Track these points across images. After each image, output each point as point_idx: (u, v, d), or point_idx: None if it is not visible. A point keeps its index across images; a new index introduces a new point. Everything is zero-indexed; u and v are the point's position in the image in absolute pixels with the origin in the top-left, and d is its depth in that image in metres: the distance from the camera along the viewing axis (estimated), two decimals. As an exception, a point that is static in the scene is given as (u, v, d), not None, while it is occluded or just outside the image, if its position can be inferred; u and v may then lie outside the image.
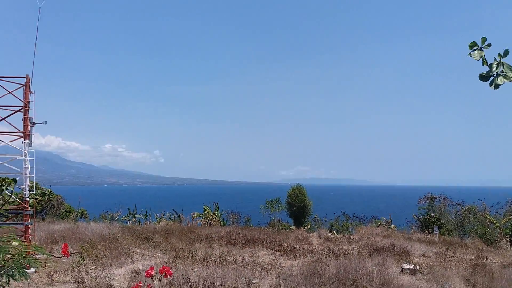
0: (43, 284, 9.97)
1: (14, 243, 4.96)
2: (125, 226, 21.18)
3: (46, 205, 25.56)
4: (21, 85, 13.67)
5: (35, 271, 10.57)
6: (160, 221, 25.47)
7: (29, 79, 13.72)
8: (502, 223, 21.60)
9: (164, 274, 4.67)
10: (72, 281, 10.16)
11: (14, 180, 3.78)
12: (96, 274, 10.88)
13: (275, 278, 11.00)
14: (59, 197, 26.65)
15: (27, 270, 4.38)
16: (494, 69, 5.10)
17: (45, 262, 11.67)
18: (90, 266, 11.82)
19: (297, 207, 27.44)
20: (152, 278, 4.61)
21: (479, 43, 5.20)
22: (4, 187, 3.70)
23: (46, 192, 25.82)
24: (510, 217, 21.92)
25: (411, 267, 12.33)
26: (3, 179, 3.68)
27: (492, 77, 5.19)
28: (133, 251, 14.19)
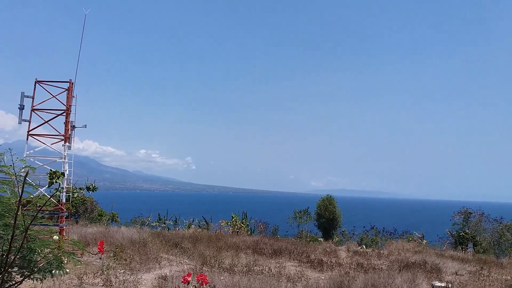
0: (73, 286, 10.25)
1: (55, 237, 5.17)
2: (154, 232, 21.53)
3: (80, 208, 26.33)
4: (64, 90, 14.29)
5: (67, 273, 10.89)
6: (189, 227, 25.76)
7: (72, 83, 14.34)
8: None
9: (200, 281, 4.66)
10: (101, 284, 10.40)
11: (63, 174, 3.92)
12: (124, 278, 11.09)
13: (301, 290, 10.88)
14: (93, 201, 27.40)
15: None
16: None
17: (82, 259, 12.00)
18: (119, 270, 12.06)
19: (326, 218, 27.09)
20: (188, 285, 4.61)
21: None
22: (54, 180, 3.84)
23: (90, 186, 26.46)
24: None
25: (443, 285, 11.92)
26: (54, 172, 3.82)
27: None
28: (161, 257, 14.38)
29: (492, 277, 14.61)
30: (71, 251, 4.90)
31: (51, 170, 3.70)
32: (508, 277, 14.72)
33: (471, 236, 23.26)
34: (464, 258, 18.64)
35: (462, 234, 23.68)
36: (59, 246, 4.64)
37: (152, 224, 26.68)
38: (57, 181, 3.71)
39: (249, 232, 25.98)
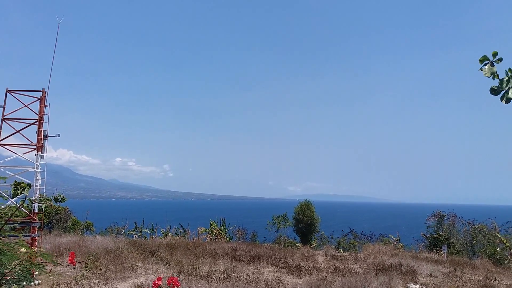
0: (46, 297, 9.99)
1: (22, 249, 5.04)
2: (131, 240, 21.17)
3: (54, 218, 25.68)
4: (37, 99, 13.95)
5: (39, 284, 10.60)
6: (166, 235, 25.43)
7: (45, 92, 14.01)
8: (513, 243, 21.21)
9: (171, 285, 4.67)
10: (75, 295, 10.16)
11: (29, 185, 3.82)
12: (98, 287, 10.87)
13: (279, 296, 10.88)
14: (67, 210, 26.77)
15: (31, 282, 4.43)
16: (504, 84, 5.05)
17: (50, 272, 11.69)
18: (93, 280, 11.81)
19: (304, 223, 27.15)
20: None
21: (490, 57, 5.15)
22: (19, 191, 3.75)
23: (58, 197, 25.77)
24: (521, 237, 21.53)
25: (417, 287, 12.14)
26: (19, 183, 3.73)
27: (503, 92, 5.12)
28: (137, 266, 14.16)
29: (465, 278, 14.95)
30: (40, 263, 4.79)
31: (15, 182, 3.63)
32: (481, 278, 15.09)
33: (445, 238, 23.75)
34: (438, 260, 19.02)
35: (436, 237, 24.16)
36: (29, 258, 4.53)
37: (128, 232, 26.24)
38: (23, 192, 3.64)
39: (227, 239, 25.84)
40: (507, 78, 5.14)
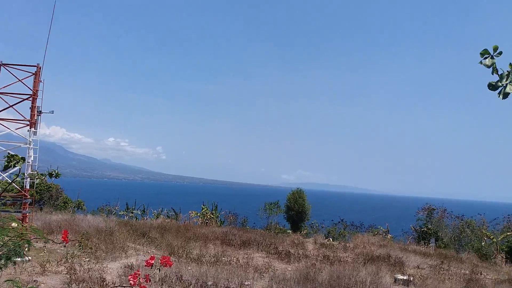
0: (35, 273, 9.99)
1: (14, 224, 5.01)
2: (122, 221, 21.21)
3: (45, 195, 25.61)
4: (31, 74, 13.77)
5: (29, 260, 10.60)
6: (157, 217, 25.50)
7: (40, 68, 13.82)
8: (500, 239, 21.52)
9: (164, 264, 4.69)
10: (65, 272, 10.18)
11: (23, 159, 3.77)
12: (89, 266, 10.89)
13: (268, 281, 10.99)
14: (58, 188, 26.70)
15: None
16: (504, 79, 5.04)
17: (43, 248, 11.69)
18: (83, 258, 11.84)
19: (295, 211, 27.32)
20: (152, 268, 4.64)
21: (491, 51, 5.13)
22: (12, 164, 3.68)
23: (53, 172, 25.56)
24: (508, 233, 21.83)
25: (405, 278, 12.30)
26: (12, 155, 3.66)
27: (501, 87, 5.11)
28: (128, 246, 14.21)
29: (451, 271, 15.19)
30: (31, 239, 4.76)
31: (9, 153, 3.56)
32: (467, 272, 15.33)
33: (434, 232, 24.05)
34: (426, 252, 19.27)
35: (425, 230, 24.45)
36: (20, 234, 4.50)
37: (119, 213, 26.27)
38: (16, 165, 3.57)
39: (218, 223, 25.97)
40: (507, 72, 5.13)
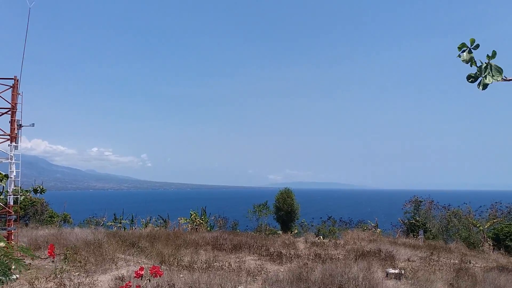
0: (24, 292, 9.79)
1: (1, 243, 4.88)
2: (110, 232, 20.93)
3: (30, 210, 25.12)
4: (8, 87, 13.46)
5: (16, 278, 10.37)
6: (146, 226, 25.24)
7: (17, 80, 13.51)
8: (486, 227, 21.90)
9: (154, 274, 4.64)
10: (54, 288, 9.99)
11: (6, 176, 3.67)
12: (79, 280, 10.72)
13: (261, 284, 10.98)
14: (43, 202, 26.22)
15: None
16: (483, 71, 5.15)
17: (29, 265, 11.44)
18: (73, 273, 11.64)
19: (284, 211, 27.31)
20: (141, 279, 4.57)
21: (468, 44, 5.24)
22: None
23: (37, 188, 24.91)
24: (494, 220, 22.23)
25: (396, 271, 12.41)
26: None
27: (480, 78, 5.23)
28: (118, 257, 14.01)
29: (441, 261, 15.39)
30: (19, 258, 4.65)
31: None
32: (456, 261, 15.56)
33: (422, 223, 24.35)
34: (415, 244, 19.50)
35: (413, 222, 24.73)
36: (6, 253, 4.39)
37: (107, 224, 25.92)
38: (0, 183, 3.49)
39: (208, 228, 25.84)
40: (485, 64, 5.23)
